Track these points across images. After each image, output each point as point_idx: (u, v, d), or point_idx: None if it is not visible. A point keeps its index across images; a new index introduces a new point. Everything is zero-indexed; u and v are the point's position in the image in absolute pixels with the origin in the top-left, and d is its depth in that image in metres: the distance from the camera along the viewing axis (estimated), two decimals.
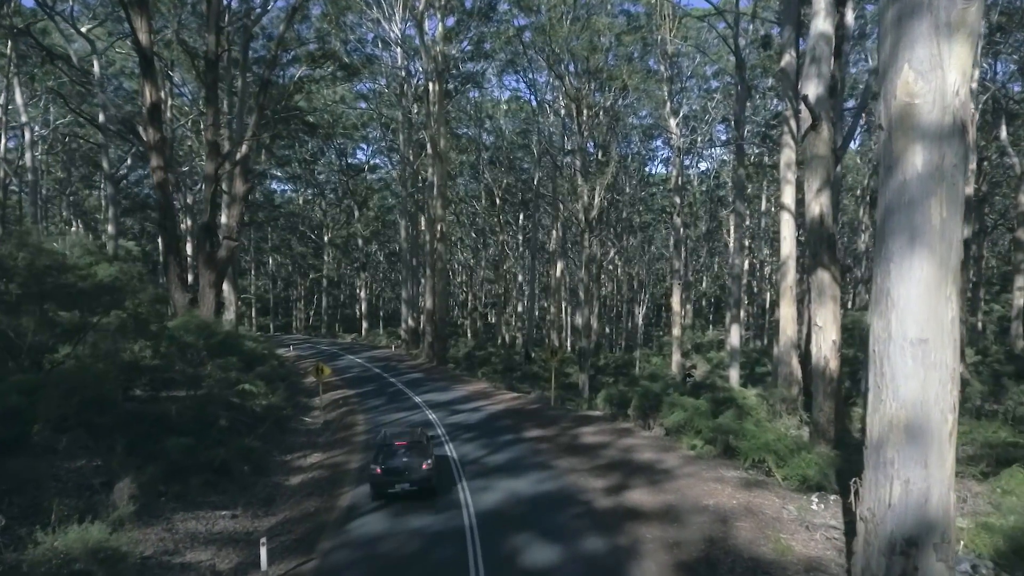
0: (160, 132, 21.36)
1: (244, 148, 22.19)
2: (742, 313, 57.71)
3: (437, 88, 33.43)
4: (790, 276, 21.38)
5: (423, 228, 43.15)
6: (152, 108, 21.18)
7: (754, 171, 55.97)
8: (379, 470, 12.16)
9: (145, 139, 21.25)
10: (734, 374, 30.95)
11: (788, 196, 21.23)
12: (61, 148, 48.24)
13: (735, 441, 14.78)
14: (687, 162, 53.36)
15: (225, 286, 35.08)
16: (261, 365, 24.88)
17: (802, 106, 14.94)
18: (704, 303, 71.65)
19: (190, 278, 27.88)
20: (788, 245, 21.33)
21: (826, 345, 14.99)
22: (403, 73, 39.81)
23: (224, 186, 28.77)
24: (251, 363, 24.20)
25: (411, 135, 43.33)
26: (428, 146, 35.07)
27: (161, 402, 14.75)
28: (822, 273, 14.95)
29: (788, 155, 21.32)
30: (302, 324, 66.97)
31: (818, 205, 14.94)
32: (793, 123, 21.74)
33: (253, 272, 64.54)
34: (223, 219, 31.82)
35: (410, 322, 45.11)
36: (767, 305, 61.32)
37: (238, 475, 13.14)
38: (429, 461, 12.36)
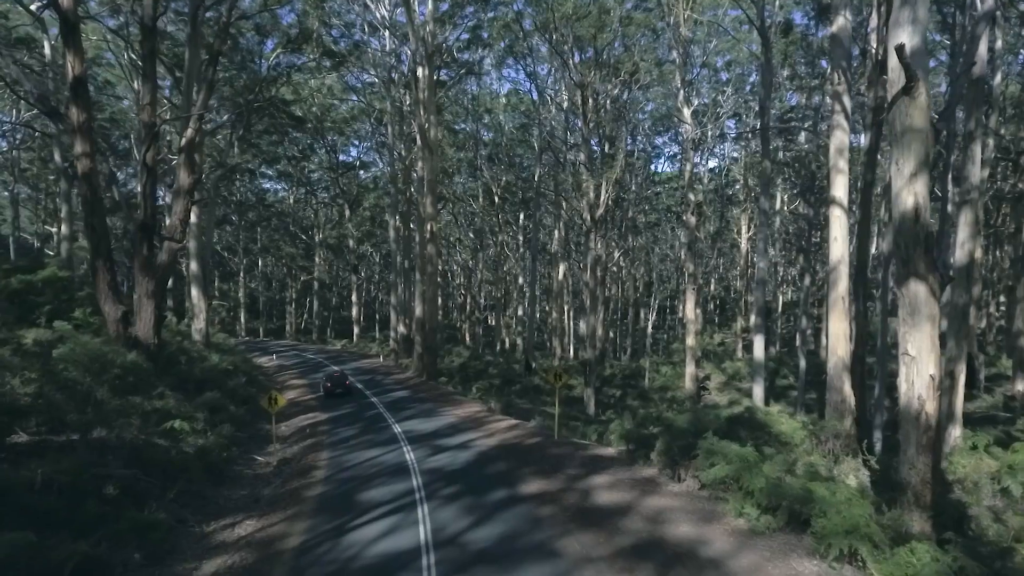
0: (87, 112, 17.40)
1: (190, 132, 18.20)
2: (752, 319, 53.73)
3: (427, 72, 29.44)
4: (841, 285, 17.38)
5: (415, 228, 39.23)
6: (76, 83, 17.22)
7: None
8: (329, 384, 26.18)
9: (67, 119, 17.30)
10: (758, 391, 26.98)
11: (840, 188, 17.22)
12: (32, 143, 44.34)
13: (801, 508, 10.83)
14: (696, 159, 49.38)
15: (194, 292, 31.20)
16: (216, 388, 20.96)
17: (893, 61, 10.92)
18: (712, 306, 67.57)
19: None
20: (839, 248, 17.33)
21: (921, 381, 10.93)
22: (392, 60, 35.86)
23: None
24: (202, 385, 20.29)
25: (402, 127, 39.38)
26: (417, 137, 31.07)
27: (46, 456, 10.83)
28: (916, 285, 10.91)
29: (840, 139, 17.31)
30: (294, 328, 62.99)
31: (912, 195, 10.89)
32: (846, 99, 17.74)
33: (242, 274, 60.56)
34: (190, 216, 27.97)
35: (401, 328, 41.17)
36: (779, 308, 57.31)
37: (119, 571, 9.17)
38: (348, 381, 26.76)
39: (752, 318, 52.50)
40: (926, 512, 10.81)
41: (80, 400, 11.10)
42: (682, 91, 32.55)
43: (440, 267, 68.61)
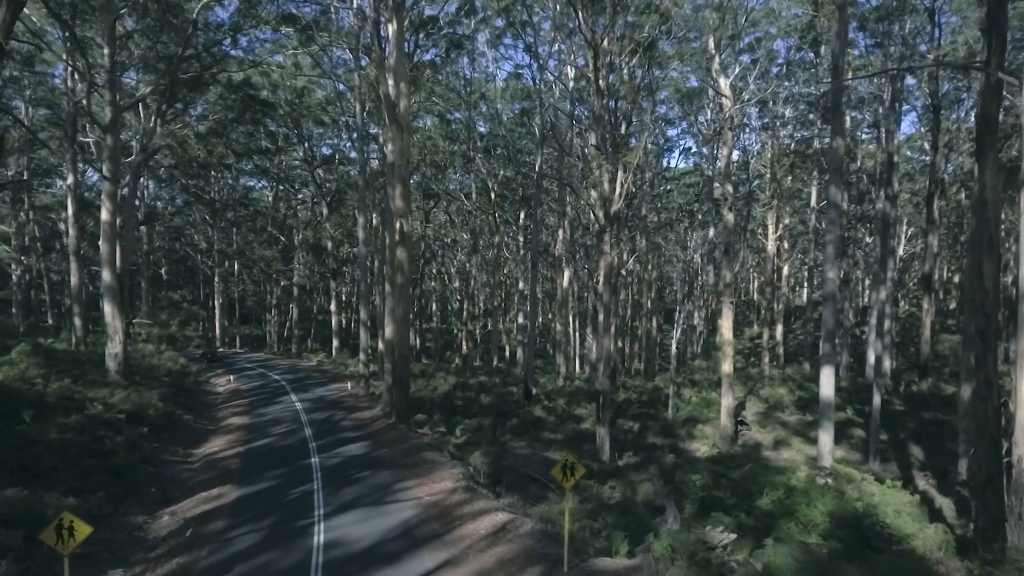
0: None
1: None
2: (779, 330, 46.18)
3: (396, 28, 22.14)
4: None
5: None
6: None
7: (799, 160, 44.45)
8: (207, 354, 41.49)
9: None
10: (826, 440, 19.61)
11: None
12: None
13: None
14: (711, 151, 42.22)
15: (107, 308, 24.08)
16: (66, 463, 13.75)
17: None
18: None
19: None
20: None
21: None
22: (360, 23, 28.64)
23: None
24: (34, 461, 13.07)
25: (379, 107, 32.12)
26: (384, 110, 23.77)
27: None
28: None
29: None
30: (275, 337, 55.78)
31: None
32: None
33: (216, 279, 53.34)
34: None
35: (380, 346, 33.93)
36: (809, 310, 49.80)
37: None
38: (217, 352, 45.01)
39: (770, 328, 45.19)
40: None
41: None
42: (718, 56, 25.24)
43: (435, 270, 61.34)
